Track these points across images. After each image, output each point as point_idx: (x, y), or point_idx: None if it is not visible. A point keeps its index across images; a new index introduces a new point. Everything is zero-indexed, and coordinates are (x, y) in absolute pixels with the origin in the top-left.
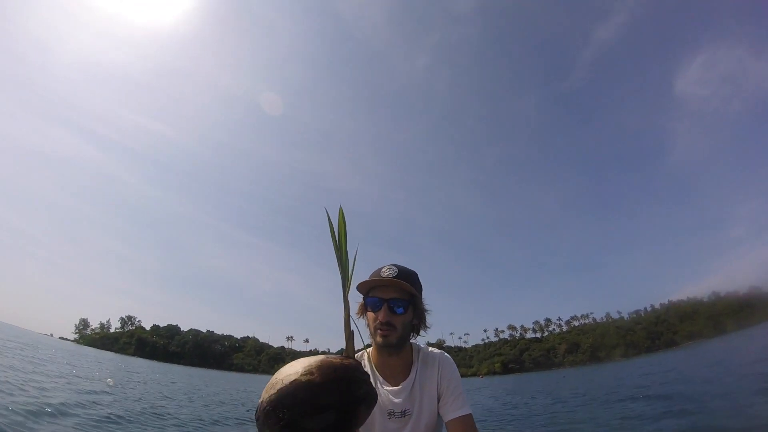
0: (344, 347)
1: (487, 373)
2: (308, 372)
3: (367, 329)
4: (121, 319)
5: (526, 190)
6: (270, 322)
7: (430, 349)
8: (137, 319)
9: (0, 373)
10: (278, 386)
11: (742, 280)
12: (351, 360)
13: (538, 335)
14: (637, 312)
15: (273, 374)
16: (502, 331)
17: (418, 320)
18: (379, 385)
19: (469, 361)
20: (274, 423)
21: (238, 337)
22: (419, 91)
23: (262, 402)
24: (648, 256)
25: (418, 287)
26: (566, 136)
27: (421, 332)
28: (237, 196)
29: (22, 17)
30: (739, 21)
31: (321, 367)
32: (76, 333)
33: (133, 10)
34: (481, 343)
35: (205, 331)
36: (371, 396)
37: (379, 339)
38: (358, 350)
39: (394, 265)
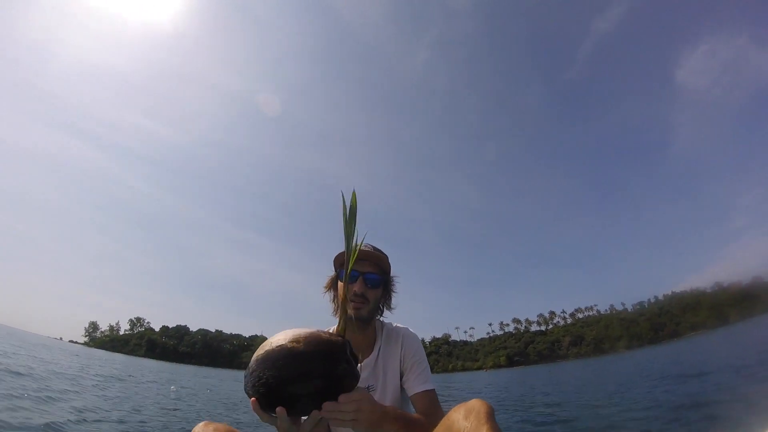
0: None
1: (493, 366)
2: (295, 340)
3: (333, 304)
4: (130, 321)
5: (528, 183)
6: (277, 320)
7: (395, 324)
8: (146, 321)
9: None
10: (266, 348)
11: (745, 271)
12: (340, 338)
13: (543, 328)
14: (640, 303)
15: None
16: (507, 325)
17: (386, 299)
18: None
19: (475, 354)
20: (256, 381)
21: (247, 336)
22: (419, 86)
23: (251, 362)
24: (651, 247)
25: (389, 269)
26: (567, 129)
27: (386, 312)
28: (240, 196)
29: (17, 20)
30: (740, 9)
31: (308, 338)
32: (85, 336)
33: (131, 11)
34: (486, 336)
35: (213, 331)
36: (350, 375)
37: (351, 311)
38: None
39: (371, 244)
